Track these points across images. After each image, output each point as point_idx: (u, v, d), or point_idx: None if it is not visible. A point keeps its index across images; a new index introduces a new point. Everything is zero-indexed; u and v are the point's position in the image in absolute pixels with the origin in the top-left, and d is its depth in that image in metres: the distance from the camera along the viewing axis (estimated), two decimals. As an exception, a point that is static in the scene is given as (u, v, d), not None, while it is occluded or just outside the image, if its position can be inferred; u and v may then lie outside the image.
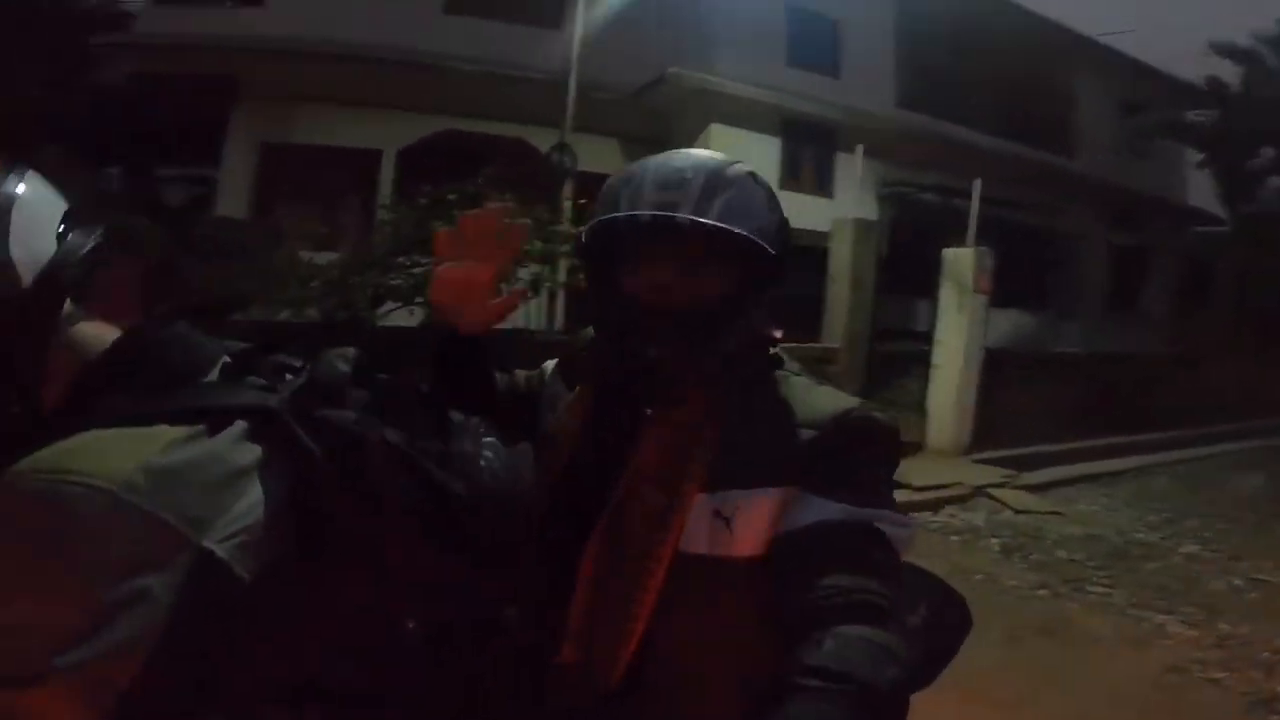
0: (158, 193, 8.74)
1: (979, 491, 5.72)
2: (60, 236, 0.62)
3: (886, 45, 10.63)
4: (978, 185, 7.20)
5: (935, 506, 5.38)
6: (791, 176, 9.42)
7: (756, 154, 9.23)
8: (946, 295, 6.97)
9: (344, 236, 6.91)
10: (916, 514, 5.17)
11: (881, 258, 7.16)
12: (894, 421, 0.86)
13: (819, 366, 5.94)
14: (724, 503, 0.80)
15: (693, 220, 0.80)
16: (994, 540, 4.83)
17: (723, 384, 0.85)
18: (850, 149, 7.91)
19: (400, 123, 8.33)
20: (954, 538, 4.90)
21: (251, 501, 0.57)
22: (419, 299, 5.08)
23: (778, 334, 0.92)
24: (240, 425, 0.59)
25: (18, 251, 0.58)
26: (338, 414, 0.62)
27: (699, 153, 0.89)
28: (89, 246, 0.62)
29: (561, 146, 7.10)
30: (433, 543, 0.63)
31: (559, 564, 0.81)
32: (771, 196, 0.88)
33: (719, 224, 0.80)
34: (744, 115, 9.01)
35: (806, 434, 0.81)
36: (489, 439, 0.73)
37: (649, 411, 0.86)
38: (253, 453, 0.58)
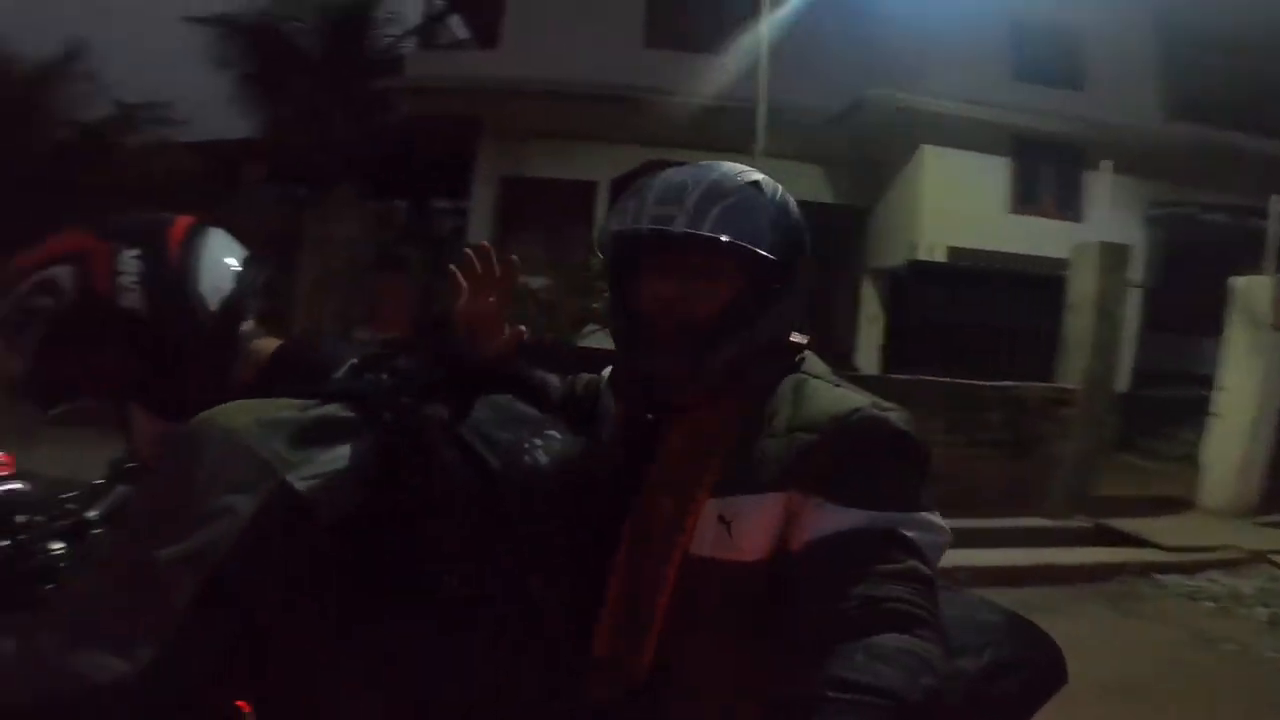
0: (431, 223, 10.29)
1: (1259, 558, 4.89)
2: (238, 274, 0.92)
3: (1145, 51, 9.29)
4: (1277, 203, 6.06)
5: (1191, 570, 4.69)
6: (1026, 199, 8.63)
7: (980, 176, 8.56)
8: (1235, 332, 5.92)
9: (560, 263, 7.65)
10: (1162, 576, 4.56)
11: (1146, 289, 6.25)
12: (905, 421, 0.83)
13: (1050, 408, 5.33)
14: (727, 507, 0.82)
15: (685, 233, 0.81)
16: (1262, 609, 4.20)
17: (732, 391, 0.86)
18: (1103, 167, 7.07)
19: (613, 155, 8.88)
20: (1207, 603, 4.29)
21: (334, 457, 0.73)
22: None
23: (801, 339, 0.93)
24: (337, 404, 0.78)
25: (204, 287, 0.89)
26: (411, 400, 0.80)
27: (712, 164, 0.90)
28: (257, 281, 0.93)
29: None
30: (469, 510, 0.78)
31: (597, 565, 0.86)
32: (781, 204, 0.88)
33: (708, 234, 0.81)
34: (961, 135, 8.41)
35: (807, 437, 0.81)
36: (551, 433, 0.86)
37: (658, 420, 0.88)
38: (343, 423, 0.76)
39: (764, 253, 0.82)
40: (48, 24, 10.08)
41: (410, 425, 0.78)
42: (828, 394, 0.86)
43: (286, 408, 0.77)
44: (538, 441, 0.85)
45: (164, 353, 0.87)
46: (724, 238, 0.81)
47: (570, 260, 7.15)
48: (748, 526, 0.82)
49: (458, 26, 10.82)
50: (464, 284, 0.98)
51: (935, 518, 0.80)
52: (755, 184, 0.88)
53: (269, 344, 0.95)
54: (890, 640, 0.69)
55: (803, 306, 0.91)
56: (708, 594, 0.82)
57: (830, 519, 0.78)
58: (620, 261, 0.90)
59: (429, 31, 10.31)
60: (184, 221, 0.93)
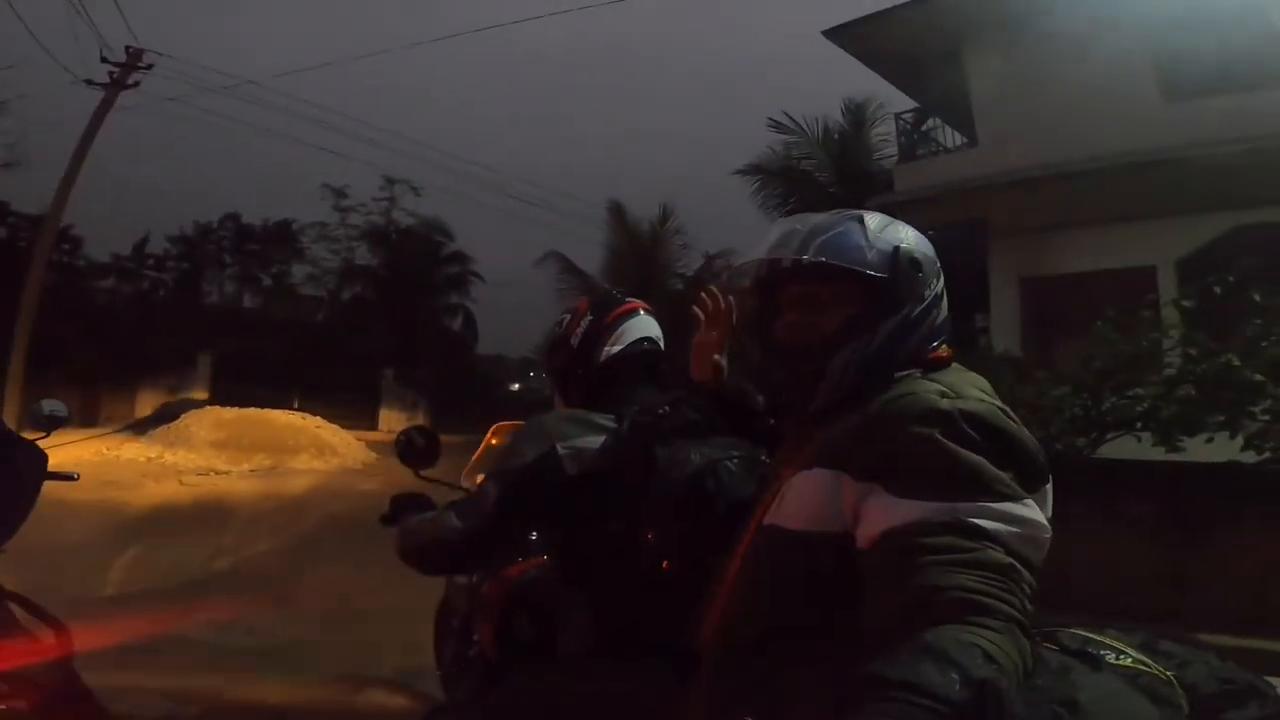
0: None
1: None
2: (633, 343, 1.47)
3: None
4: None
5: None
6: None
7: None
8: None
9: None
10: None
11: None
12: (977, 408, 0.84)
13: None
14: (790, 482, 0.93)
15: (792, 261, 0.96)
16: None
17: (857, 400, 0.92)
18: None
19: (1165, 231, 7.52)
20: None
21: (590, 442, 1.30)
22: (1141, 424, 4.52)
23: (936, 354, 0.97)
24: (611, 415, 1.33)
25: (606, 345, 1.47)
26: (644, 422, 1.27)
27: (838, 211, 1.01)
28: (641, 348, 1.46)
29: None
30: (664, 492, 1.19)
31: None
32: (887, 233, 0.98)
33: (807, 260, 0.94)
34: None
35: (855, 420, 0.88)
36: (738, 454, 1.23)
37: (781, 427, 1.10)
38: (605, 426, 1.31)
39: (864, 271, 0.93)
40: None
41: (636, 434, 1.26)
42: (916, 387, 0.89)
43: (587, 415, 1.35)
44: (728, 460, 1.22)
45: (569, 375, 1.49)
46: (803, 258, 0.95)
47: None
48: (793, 496, 0.91)
49: (944, 134, 10.71)
50: (700, 319, 1.38)
51: (1021, 508, 0.79)
52: (858, 219, 0.99)
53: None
54: (947, 633, 0.68)
55: (934, 324, 0.98)
56: (762, 558, 0.94)
57: (891, 512, 0.80)
58: (750, 295, 1.07)
59: (911, 144, 10.46)
60: (628, 305, 1.51)
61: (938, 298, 0.99)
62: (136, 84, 13.09)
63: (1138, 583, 4.19)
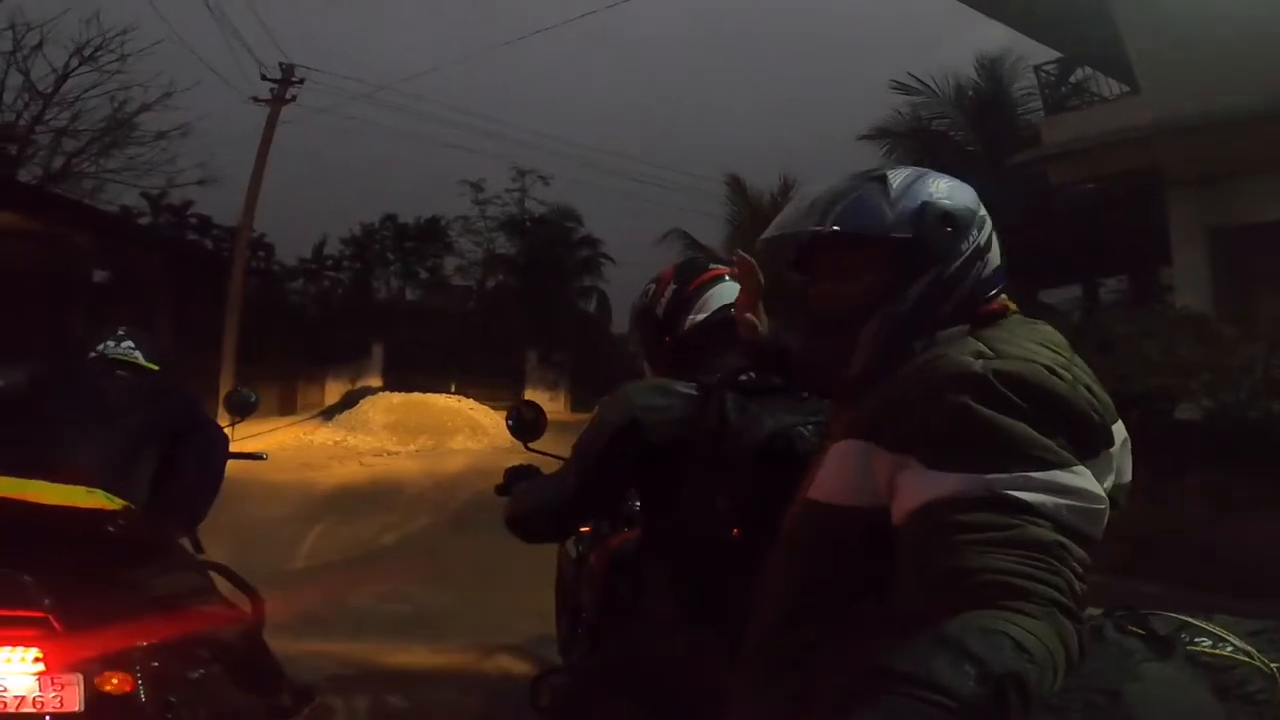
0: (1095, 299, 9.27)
1: None
2: (716, 310, 1.46)
3: None
4: None
5: None
6: None
7: None
8: None
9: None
10: None
11: None
12: (1020, 369, 0.77)
13: None
14: (828, 453, 0.91)
15: (812, 232, 0.95)
16: None
17: (897, 359, 0.87)
18: None
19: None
20: None
21: (670, 406, 1.30)
22: None
23: (990, 307, 0.91)
24: (693, 383, 1.33)
25: (692, 313, 1.47)
26: (717, 387, 1.30)
27: (859, 173, 0.97)
28: (728, 315, 1.38)
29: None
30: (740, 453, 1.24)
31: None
32: (911, 189, 0.92)
33: (829, 229, 0.91)
34: None
35: (885, 389, 0.85)
36: (815, 420, 1.25)
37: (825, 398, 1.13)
38: (683, 393, 1.31)
39: (885, 233, 0.89)
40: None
41: (709, 400, 1.28)
42: (942, 349, 0.84)
43: (669, 383, 1.35)
44: (805, 423, 1.25)
45: (655, 344, 1.50)
46: (835, 228, 0.90)
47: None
48: (828, 470, 0.90)
49: (1099, 84, 9.52)
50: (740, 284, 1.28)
51: (1071, 476, 0.73)
52: (879, 178, 0.94)
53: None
54: (973, 621, 0.64)
55: (979, 278, 0.92)
56: (801, 531, 0.93)
57: (923, 486, 0.75)
58: (776, 267, 1.06)
59: (1059, 96, 9.42)
60: (712, 272, 1.49)
61: (980, 249, 0.92)
62: (294, 99, 14.42)
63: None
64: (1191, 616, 0.88)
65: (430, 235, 26.82)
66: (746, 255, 1.23)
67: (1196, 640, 0.84)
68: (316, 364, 20.17)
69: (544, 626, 2.68)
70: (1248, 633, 0.87)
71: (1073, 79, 9.31)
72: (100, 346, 2.13)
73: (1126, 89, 8.78)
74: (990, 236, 0.94)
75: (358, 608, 4.12)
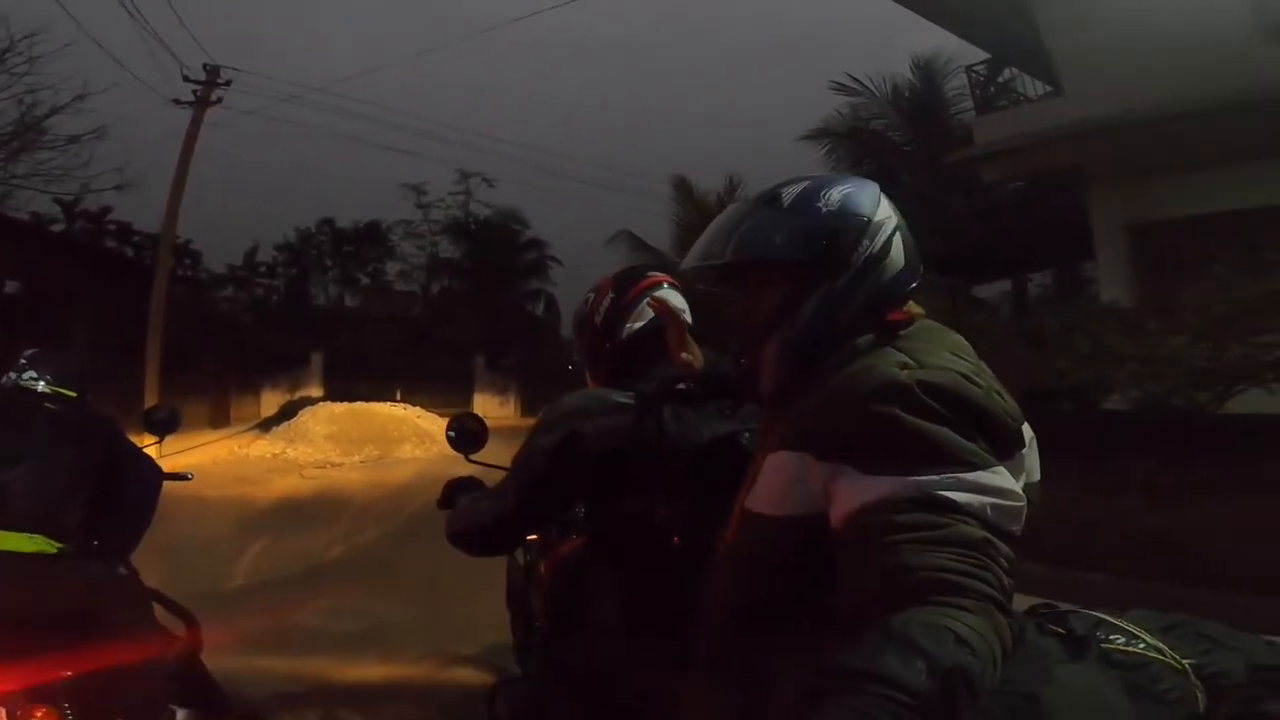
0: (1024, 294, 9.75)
1: None
2: (652, 319, 1.43)
3: None
4: None
5: None
6: None
7: None
8: None
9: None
10: None
11: None
12: (936, 376, 0.81)
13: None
14: (762, 465, 0.93)
15: (698, 268, 1.03)
16: None
17: (814, 374, 0.90)
18: None
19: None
20: None
21: (611, 419, 1.28)
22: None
23: (894, 316, 0.93)
24: (630, 394, 1.31)
25: (628, 323, 1.45)
26: (653, 397, 1.29)
27: (755, 197, 1.02)
28: (659, 325, 1.37)
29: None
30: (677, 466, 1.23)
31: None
32: (802, 208, 0.95)
33: (721, 262, 0.98)
34: None
35: (814, 399, 0.88)
36: (756, 427, 1.18)
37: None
38: (622, 405, 1.30)
39: (776, 256, 0.94)
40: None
41: (646, 410, 1.27)
42: (862, 361, 0.87)
43: (606, 393, 1.35)
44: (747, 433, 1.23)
45: (595, 353, 1.48)
46: (734, 257, 0.96)
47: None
48: (763, 482, 0.91)
49: (1024, 84, 9.95)
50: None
51: (992, 476, 0.76)
52: (773, 199, 0.97)
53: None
54: (916, 617, 0.65)
55: (877, 287, 0.93)
56: (742, 541, 0.94)
57: (859, 491, 0.77)
58: (707, 287, 1.10)
59: (988, 96, 9.81)
60: (650, 280, 1.48)
61: (873, 259, 0.93)
62: (219, 101, 13.67)
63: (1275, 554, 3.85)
64: (1106, 613, 0.91)
65: (370, 240, 26.19)
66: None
67: (1111, 638, 0.86)
68: (251, 375, 19.42)
69: (503, 635, 2.64)
70: (1160, 628, 0.89)
71: (1000, 79, 9.70)
72: (3, 379, 2.04)
73: (1050, 89, 9.22)
74: (889, 241, 0.95)
75: (306, 625, 3.96)
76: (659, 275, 1.52)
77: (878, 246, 0.94)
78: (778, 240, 0.94)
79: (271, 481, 9.88)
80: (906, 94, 11.04)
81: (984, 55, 10.01)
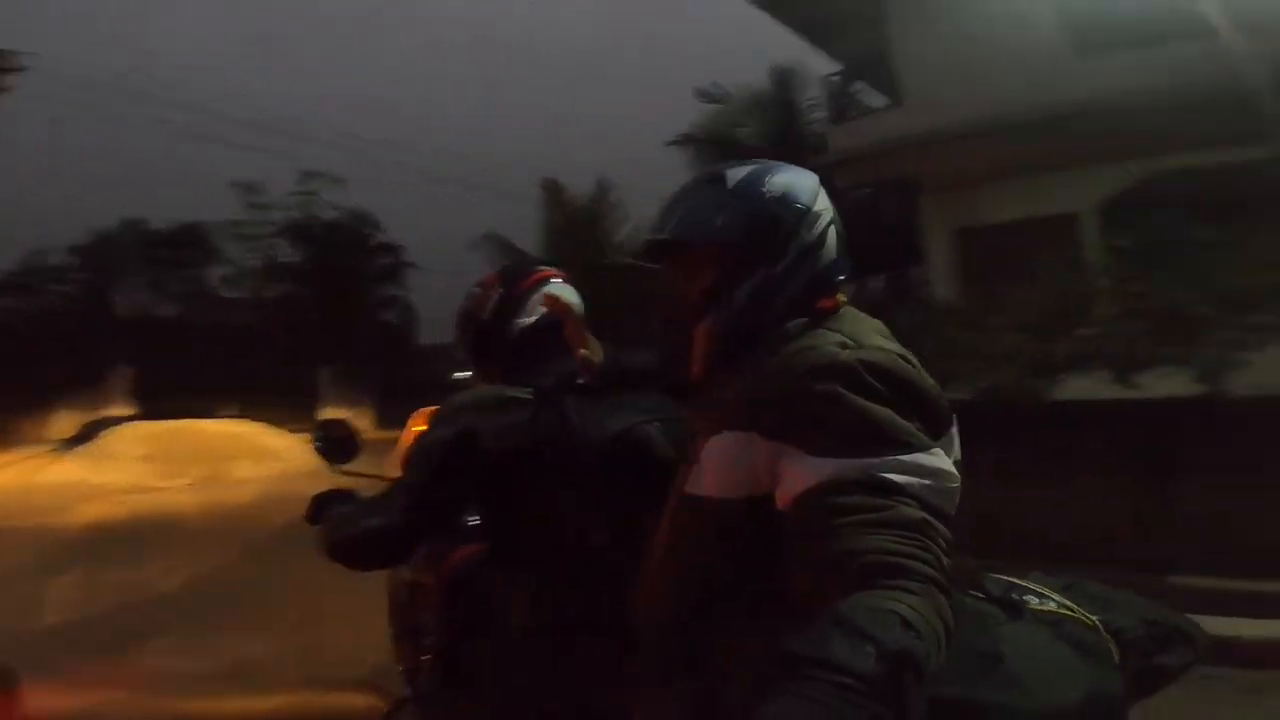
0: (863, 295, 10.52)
1: None
2: (545, 314, 1.37)
3: None
4: None
5: None
6: None
7: None
8: None
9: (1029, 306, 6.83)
10: None
11: None
12: (877, 357, 0.82)
13: None
14: (705, 450, 0.89)
15: (653, 241, 1.00)
16: None
17: (746, 357, 0.91)
18: None
19: (1087, 180, 7.82)
20: None
21: (508, 418, 1.22)
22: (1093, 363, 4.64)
23: (822, 304, 0.94)
24: (528, 389, 1.26)
25: (520, 318, 1.40)
26: (553, 391, 1.25)
27: (703, 175, 1.02)
28: (555, 319, 1.31)
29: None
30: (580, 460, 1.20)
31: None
32: (746, 191, 0.94)
33: (660, 239, 0.98)
34: None
35: (754, 380, 0.86)
36: (660, 417, 1.23)
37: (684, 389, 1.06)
38: (520, 401, 1.24)
39: (715, 240, 0.94)
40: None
41: (547, 404, 1.23)
42: (812, 339, 0.87)
43: (501, 391, 1.28)
44: (652, 425, 1.23)
45: (482, 350, 1.43)
46: (673, 237, 0.97)
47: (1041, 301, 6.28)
48: (708, 464, 0.89)
49: (870, 95, 10.89)
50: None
51: (930, 458, 0.77)
52: (718, 179, 0.97)
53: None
54: (862, 601, 0.66)
55: (812, 273, 0.94)
56: (686, 528, 0.92)
57: (803, 471, 0.78)
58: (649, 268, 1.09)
59: (840, 106, 10.63)
60: (539, 274, 1.44)
61: (810, 247, 0.94)
62: (6, 89, 12.04)
63: (1103, 527, 4.31)
64: (1013, 577, 0.94)
65: (189, 242, 23.39)
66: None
67: (1026, 598, 0.90)
68: (38, 393, 16.60)
69: (385, 658, 2.41)
70: (1061, 587, 0.93)
71: (851, 90, 10.54)
72: None
73: (889, 100, 10.14)
74: (825, 231, 0.96)
75: (151, 666, 3.37)
76: (548, 270, 1.48)
77: (815, 235, 0.95)
78: (719, 222, 0.94)
79: (76, 509, 8.47)
80: (764, 103, 11.62)
81: (839, 66, 10.79)
